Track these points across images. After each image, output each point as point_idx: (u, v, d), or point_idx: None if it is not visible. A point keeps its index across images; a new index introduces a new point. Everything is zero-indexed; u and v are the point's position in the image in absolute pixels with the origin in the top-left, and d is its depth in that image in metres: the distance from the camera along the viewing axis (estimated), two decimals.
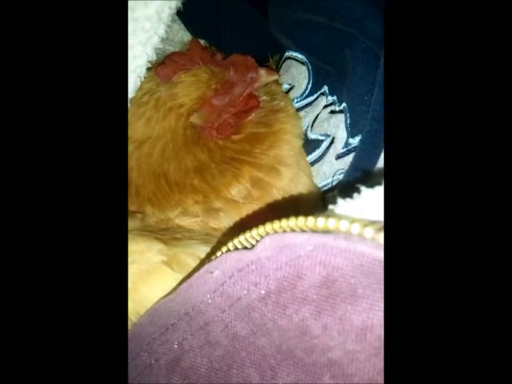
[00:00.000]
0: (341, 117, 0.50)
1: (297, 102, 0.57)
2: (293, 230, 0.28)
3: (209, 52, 0.54)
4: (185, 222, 0.49)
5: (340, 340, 0.26)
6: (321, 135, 0.53)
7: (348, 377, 0.26)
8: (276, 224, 0.28)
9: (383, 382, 0.24)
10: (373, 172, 0.45)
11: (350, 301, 0.25)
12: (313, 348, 0.27)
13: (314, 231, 0.27)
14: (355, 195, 0.28)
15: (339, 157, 0.50)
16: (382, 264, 0.24)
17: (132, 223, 0.47)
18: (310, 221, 0.27)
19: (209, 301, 0.31)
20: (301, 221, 0.27)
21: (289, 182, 0.52)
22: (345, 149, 0.49)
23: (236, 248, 0.31)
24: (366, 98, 0.46)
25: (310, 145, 0.54)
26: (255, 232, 0.30)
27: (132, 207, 0.50)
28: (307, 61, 0.56)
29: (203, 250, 0.42)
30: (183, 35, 0.65)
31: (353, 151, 0.48)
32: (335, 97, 0.52)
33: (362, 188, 0.27)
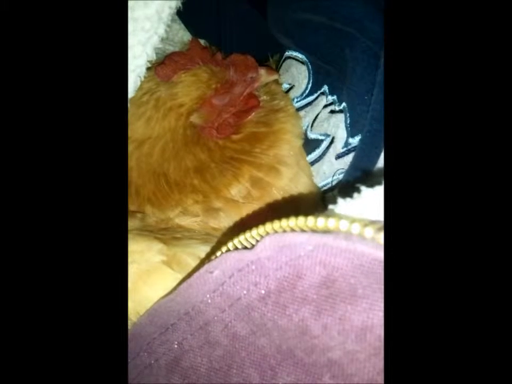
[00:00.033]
0: (341, 116, 0.50)
1: (297, 102, 0.57)
2: (293, 230, 0.28)
3: (209, 52, 0.54)
4: (185, 221, 0.49)
5: (339, 340, 0.26)
6: (321, 134, 0.53)
7: (348, 377, 0.26)
8: (276, 224, 0.28)
9: (383, 382, 0.24)
10: (373, 171, 0.45)
11: (350, 301, 0.25)
12: (313, 347, 0.27)
13: (314, 231, 0.27)
14: (355, 195, 0.28)
15: (339, 156, 0.50)
16: (382, 264, 0.24)
17: (132, 223, 0.47)
18: (310, 220, 0.27)
19: (209, 301, 0.31)
20: (301, 221, 0.27)
21: (289, 181, 0.52)
22: (345, 149, 0.49)
23: (236, 248, 0.31)
24: (366, 98, 0.46)
25: (310, 145, 0.54)
26: (255, 232, 0.29)
27: (132, 207, 0.50)
28: (307, 60, 0.56)
29: (203, 250, 0.42)
30: (183, 35, 0.65)
31: (353, 150, 0.48)
32: (335, 97, 0.52)
33: (362, 188, 0.27)
